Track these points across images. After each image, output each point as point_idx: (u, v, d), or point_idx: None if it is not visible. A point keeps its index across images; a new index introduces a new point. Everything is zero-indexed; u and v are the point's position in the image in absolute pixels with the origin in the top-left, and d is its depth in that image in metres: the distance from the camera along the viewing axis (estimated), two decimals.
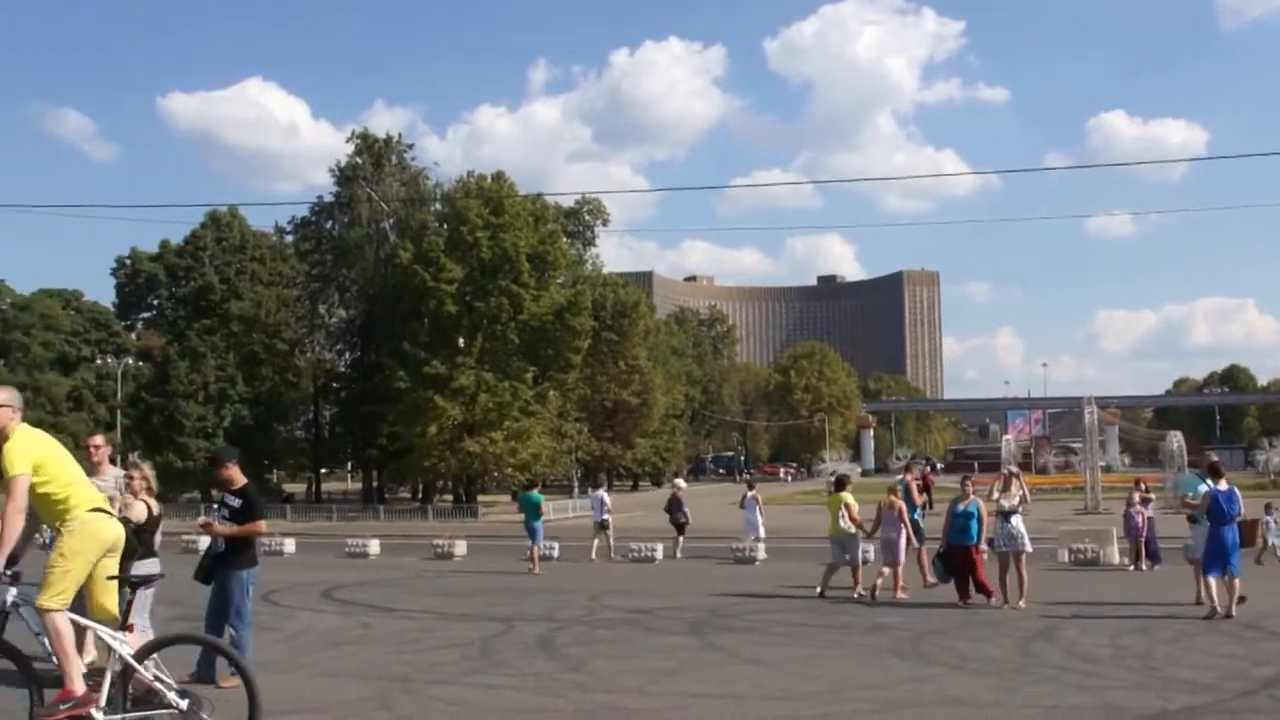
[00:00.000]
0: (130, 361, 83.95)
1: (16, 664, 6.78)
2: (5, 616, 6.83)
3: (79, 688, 6.60)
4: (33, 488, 6.70)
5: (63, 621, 6.67)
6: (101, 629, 6.87)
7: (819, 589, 18.41)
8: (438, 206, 71.84)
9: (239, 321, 77.80)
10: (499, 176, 68.32)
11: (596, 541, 28.34)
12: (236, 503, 10.51)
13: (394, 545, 32.40)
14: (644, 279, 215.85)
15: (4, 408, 6.83)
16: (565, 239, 76.36)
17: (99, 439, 10.61)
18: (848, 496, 19.01)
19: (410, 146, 79.06)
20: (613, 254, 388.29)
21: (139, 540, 9.85)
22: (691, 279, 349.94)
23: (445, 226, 66.90)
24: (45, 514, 6.87)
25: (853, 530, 18.76)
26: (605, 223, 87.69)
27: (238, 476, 10.67)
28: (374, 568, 26.21)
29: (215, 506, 11.06)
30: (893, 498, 19.17)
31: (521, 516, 26.64)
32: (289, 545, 30.42)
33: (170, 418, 73.85)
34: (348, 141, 77.12)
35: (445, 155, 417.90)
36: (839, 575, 18.85)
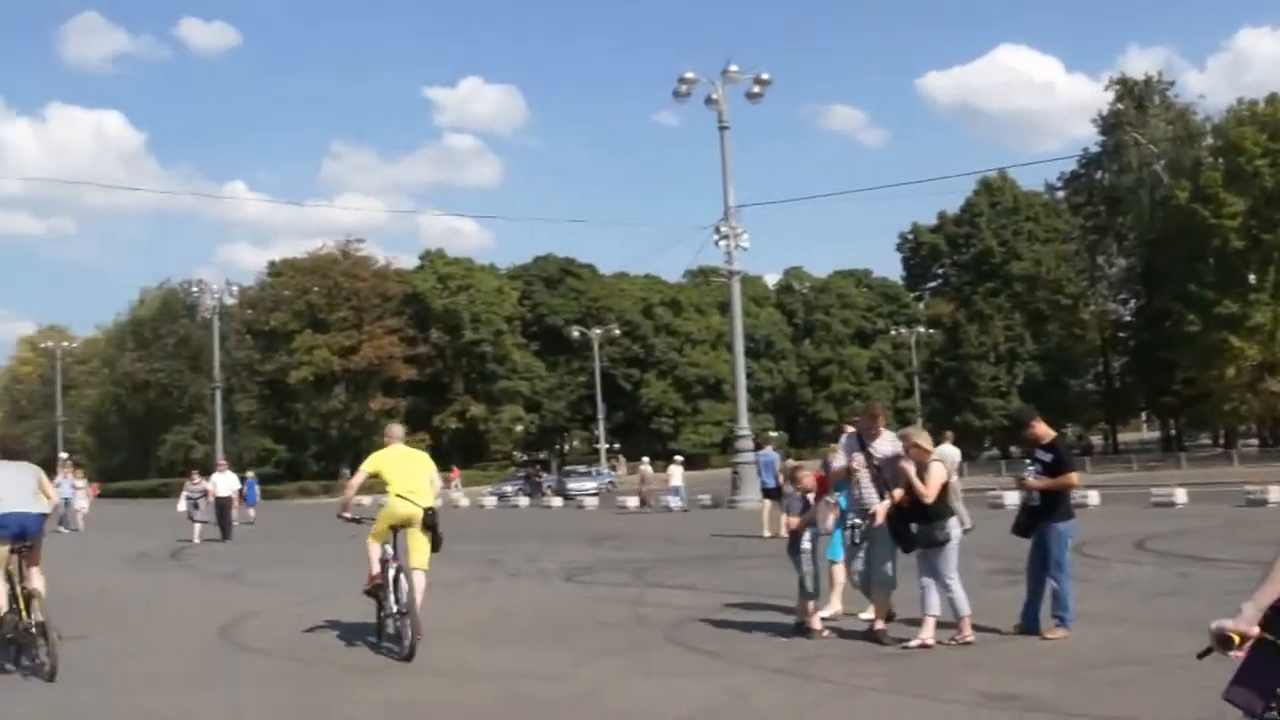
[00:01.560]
0: (921, 330, 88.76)
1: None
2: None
3: (375, 569, 10.64)
4: (374, 476, 10.90)
5: (374, 549, 10.77)
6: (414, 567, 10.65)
7: None
8: (1209, 141, 68.99)
9: (1020, 281, 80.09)
10: (1272, 99, 63.87)
11: None
12: (1047, 457, 10.61)
13: (1200, 493, 31.01)
14: None
15: (393, 439, 11.39)
16: None
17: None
18: None
19: (1171, 84, 76.76)
20: None
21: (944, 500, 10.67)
22: None
23: (1220, 160, 63.98)
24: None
25: None
26: None
27: (1044, 432, 10.79)
28: (1182, 517, 25.43)
29: (1028, 462, 11.01)
30: None
31: None
32: (1092, 497, 30.25)
33: (964, 379, 77.84)
34: (1106, 89, 76.74)
35: (1208, 87, 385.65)
36: None
